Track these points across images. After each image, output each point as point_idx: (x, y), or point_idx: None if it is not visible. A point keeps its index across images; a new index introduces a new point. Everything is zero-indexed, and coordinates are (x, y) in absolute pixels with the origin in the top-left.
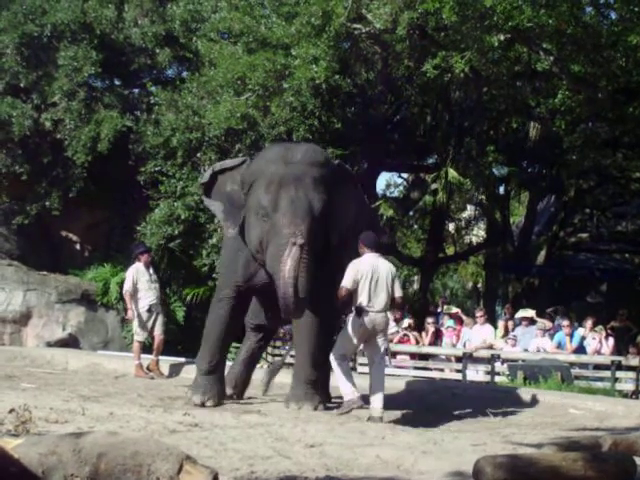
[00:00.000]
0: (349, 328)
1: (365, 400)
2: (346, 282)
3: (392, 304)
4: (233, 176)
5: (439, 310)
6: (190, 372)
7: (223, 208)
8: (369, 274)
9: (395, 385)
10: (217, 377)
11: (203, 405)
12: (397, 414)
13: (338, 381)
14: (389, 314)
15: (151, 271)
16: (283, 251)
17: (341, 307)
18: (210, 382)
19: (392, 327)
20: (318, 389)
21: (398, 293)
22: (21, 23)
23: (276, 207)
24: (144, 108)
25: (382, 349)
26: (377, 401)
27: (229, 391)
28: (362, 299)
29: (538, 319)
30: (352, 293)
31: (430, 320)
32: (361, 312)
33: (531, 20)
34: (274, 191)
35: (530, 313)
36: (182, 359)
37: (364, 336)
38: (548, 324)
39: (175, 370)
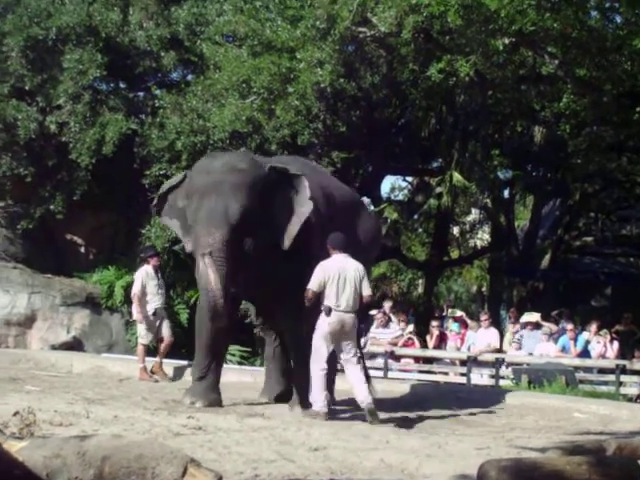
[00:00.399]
0: (319, 329)
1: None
2: (312, 284)
3: (361, 303)
4: (181, 192)
5: (444, 314)
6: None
7: (180, 224)
8: (336, 275)
9: (399, 388)
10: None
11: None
12: (401, 417)
13: (312, 387)
14: (393, 318)
15: (159, 275)
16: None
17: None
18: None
19: (396, 330)
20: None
21: (366, 292)
22: (26, 26)
23: (196, 218)
24: (149, 111)
25: (352, 348)
26: (361, 394)
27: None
28: (329, 300)
29: (543, 323)
30: (320, 295)
31: (435, 324)
32: (329, 312)
33: (536, 24)
34: (196, 201)
35: (535, 317)
36: (185, 362)
37: (334, 336)
38: (553, 327)
39: (179, 373)
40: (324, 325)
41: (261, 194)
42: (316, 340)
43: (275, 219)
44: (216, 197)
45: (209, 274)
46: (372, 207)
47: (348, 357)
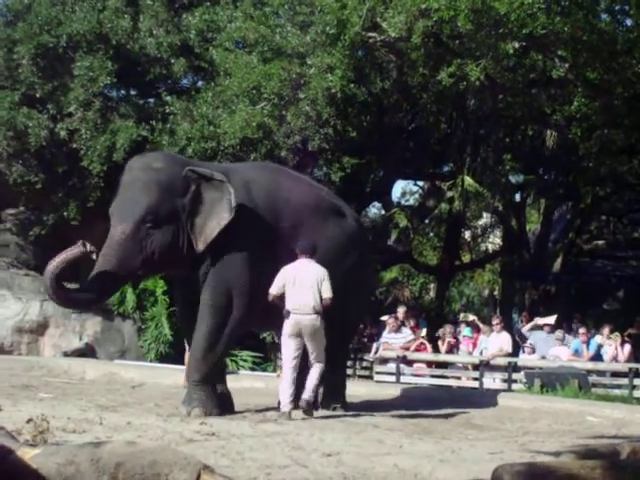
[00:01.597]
0: (282, 332)
1: None
2: (271, 288)
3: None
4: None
5: (457, 318)
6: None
7: None
8: (294, 278)
9: (412, 393)
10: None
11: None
12: (414, 422)
13: (280, 387)
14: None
15: None
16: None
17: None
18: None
19: (408, 335)
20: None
21: (326, 294)
22: (37, 34)
23: (111, 211)
24: (159, 118)
25: (317, 350)
26: (307, 390)
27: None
28: (288, 302)
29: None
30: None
31: (447, 328)
32: (288, 315)
33: (546, 27)
34: (116, 197)
35: (552, 319)
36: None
37: (294, 337)
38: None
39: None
40: (286, 328)
41: (176, 194)
42: (283, 343)
43: (195, 221)
44: (127, 193)
45: (56, 257)
46: (383, 211)
47: (311, 358)
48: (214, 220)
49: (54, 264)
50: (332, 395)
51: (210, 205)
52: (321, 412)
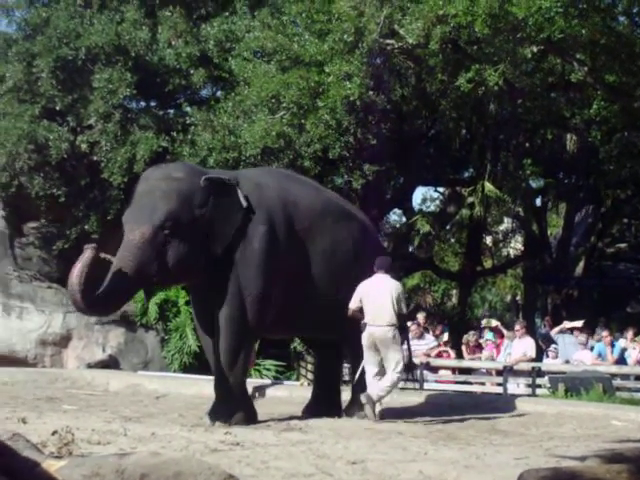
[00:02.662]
0: (362, 344)
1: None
2: (350, 303)
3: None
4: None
5: (481, 324)
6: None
7: None
8: (370, 293)
9: (436, 400)
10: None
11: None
12: (438, 428)
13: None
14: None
15: None
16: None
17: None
18: None
19: (431, 342)
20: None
21: (402, 311)
22: (55, 47)
23: (125, 218)
24: (180, 128)
25: (393, 360)
26: (373, 389)
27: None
28: (366, 316)
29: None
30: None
31: (472, 334)
32: (364, 327)
33: (564, 31)
34: (131, 205)
35: (579, 323)
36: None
37: (371, 348)
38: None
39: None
40: (363, 340)
41: (196, 203)
42: (364, 353)
43: (213, 228)
44: (147, 200)
45: (74, 267)
46: (404, 218)
47: (387, 370)
48: (228, 224)
49: (76, 273)
50: (354, 403)
51: (225, 211)
52: (345, 420)
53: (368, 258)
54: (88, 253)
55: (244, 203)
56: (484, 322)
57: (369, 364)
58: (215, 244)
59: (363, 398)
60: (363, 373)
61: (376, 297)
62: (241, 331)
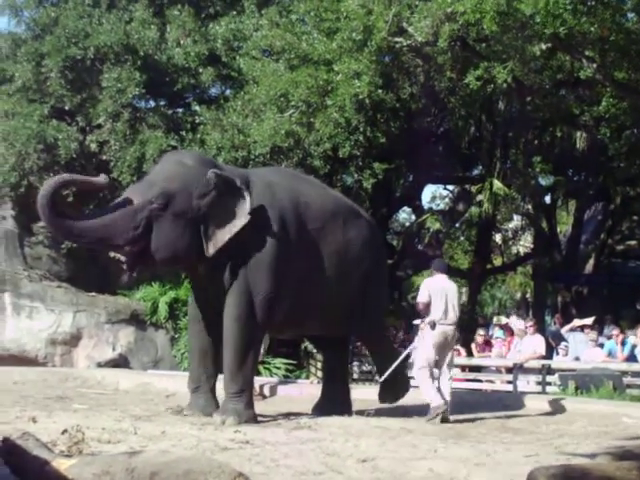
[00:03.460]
0: (426, 341)
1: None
2: (421, 296)
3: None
4: None
5: (492, 321)
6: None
7: None
8: (440, 292)
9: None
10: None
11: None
12: (448, 426)
13: (423, 391)
14: None
15: None
16: None
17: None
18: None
19: None
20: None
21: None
22: (64, 47)
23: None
24: (189, 127)
25: (451, 362)
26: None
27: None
28: (435, 314)
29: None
30: (427, 307)
31: (481, 332)
32: (434, 325)
33: (572, 28)
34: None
35: (590, 320)
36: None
37: (439, 345)
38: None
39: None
40: (432, 336)
41: (196, 192)
42: (424, 351)
43: (209, 226)
44: (151, 177)
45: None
46: (413, 216)
47: (444, 367)
48: (227, 227)
49: (65, 177)
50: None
51: (227, 212)
52: (354, 418)
53: (376, 255)
54: (95, 179)
55: (248, 207)
56: (495, 320)
57: (430, 362)
58: (208, 244)
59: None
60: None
61: (447, 296)
62: (248, 330)
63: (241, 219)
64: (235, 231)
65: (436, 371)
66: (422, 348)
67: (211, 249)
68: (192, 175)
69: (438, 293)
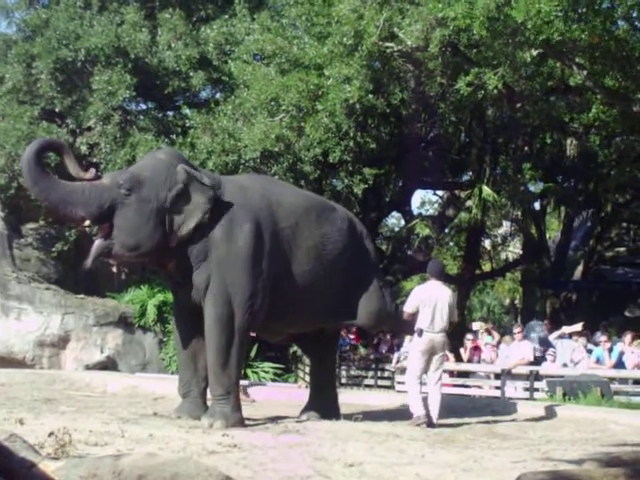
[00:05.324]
0: (413, 348)
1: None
2: (406, 307)
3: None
4: None
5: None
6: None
7: None
8: (428, 299)
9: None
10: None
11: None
12: (436, 432)
13: (409, 399)
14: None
15: None
16: None
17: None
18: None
19: None
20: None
21: (453, 318)
22: (55, 48)
23: None
24: (179, 131)
25: (439, 367)
26: (434, 411)
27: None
28: (422, 322)
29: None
30: (414, 315)
31: (469, 337)
32: (421, 333)
33: (564, 35)
34: None
35: (578, 327)
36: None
37: (426, 353)
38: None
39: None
40: (418, 344)
41: (163, 186)
42: (412, 358)
43: (174, 218)
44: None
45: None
46: (402, 221)
47: (434, 375)
48: (189, 221)
49: (58, 140)
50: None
51: (193, 207)
52: (342, 422)
53: (358, 244)
54: (85, 172)
55: (209, 201)
56: (478, 326)
57: (417, 370)
58: (171, 235)
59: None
60: None
61: (435, 305)
62: (230, 329)
63: (202, 208)
64: (196, 221)
65: (426, 376)
66: (410, 355)
67: (173, 242)
68: (162, 167)
69: (426, 302)
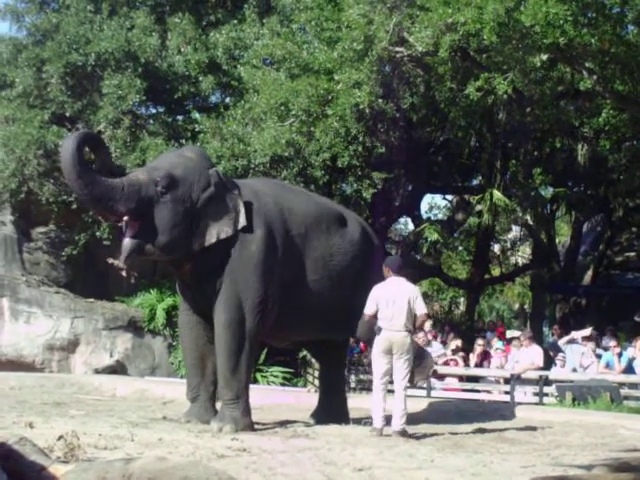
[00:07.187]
0: (373, 349)
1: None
2: (367, 308)
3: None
4: None
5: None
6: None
7: None
8: (386, 297)
9: (443, 408)
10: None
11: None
12: (444, 436)
13: (372, 404)
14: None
15: None
16: None
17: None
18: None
19: (439, 349)
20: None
21: (420, 311)
22: (65, 53)
23: None
24: (189, 135)
25: (404, 370)
26: (396, 418)
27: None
28: (380, 320)
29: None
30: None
31: (480, 342)
32: (380, 331)
33: (573, 39)
34: None
35: (587, 332)
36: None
37: (385, 353)
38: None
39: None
40: (378, 345)
41: (197, 186)
42: (374, 360)
43: (200, 222)
44: (154, 163)
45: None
46: (411, 226)
47: (397, 377)
48: (216, 228)
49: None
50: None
51: (220, 213)
52: (352, 427)
53: (368, 257)
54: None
55: (242, 220)
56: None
57: (380, 373)
58: (195, 239)
59: (398, 435)
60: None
61: (393, 301)
62: (240, 334)
63: (232, 228)
64: (223, 237)
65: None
66: (372, 357)
67: (196, 245)
68: (194, 167)
69: (384, 300)
